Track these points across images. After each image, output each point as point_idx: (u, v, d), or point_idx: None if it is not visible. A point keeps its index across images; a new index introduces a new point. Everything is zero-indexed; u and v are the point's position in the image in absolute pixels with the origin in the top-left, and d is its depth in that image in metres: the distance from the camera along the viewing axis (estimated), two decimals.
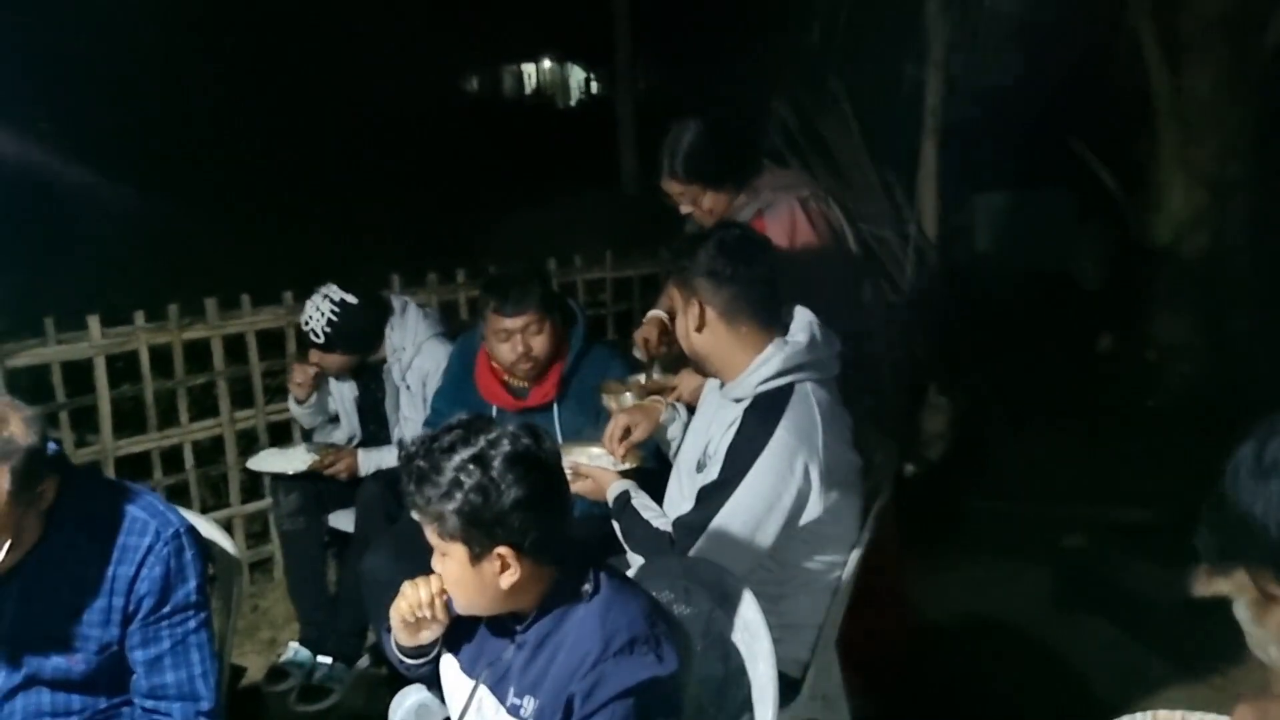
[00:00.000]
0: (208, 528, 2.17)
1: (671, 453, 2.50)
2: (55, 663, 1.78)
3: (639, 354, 2.90)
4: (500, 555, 1.56)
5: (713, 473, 2.12)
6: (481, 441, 1.55)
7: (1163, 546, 2.41)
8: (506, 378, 2.96)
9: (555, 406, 2.94)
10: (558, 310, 2.94)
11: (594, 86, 27.27)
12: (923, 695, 2.98)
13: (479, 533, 1.55)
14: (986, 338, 4.85)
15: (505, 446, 1.55)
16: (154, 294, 3.78)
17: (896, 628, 2.98)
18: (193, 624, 1.84)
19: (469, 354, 3.07)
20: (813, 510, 2.10)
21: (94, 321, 3.51)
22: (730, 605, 1.86)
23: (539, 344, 2.85)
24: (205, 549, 1.93)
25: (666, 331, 3.00)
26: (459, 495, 1.53)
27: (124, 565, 1.76)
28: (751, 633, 1.82)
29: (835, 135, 5.20)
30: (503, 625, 1.68)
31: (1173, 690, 2.92)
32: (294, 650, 3.34)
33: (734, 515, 2.06)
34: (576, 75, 30.22)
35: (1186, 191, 5.23)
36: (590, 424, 2.88)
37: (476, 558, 1.56)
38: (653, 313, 2.93)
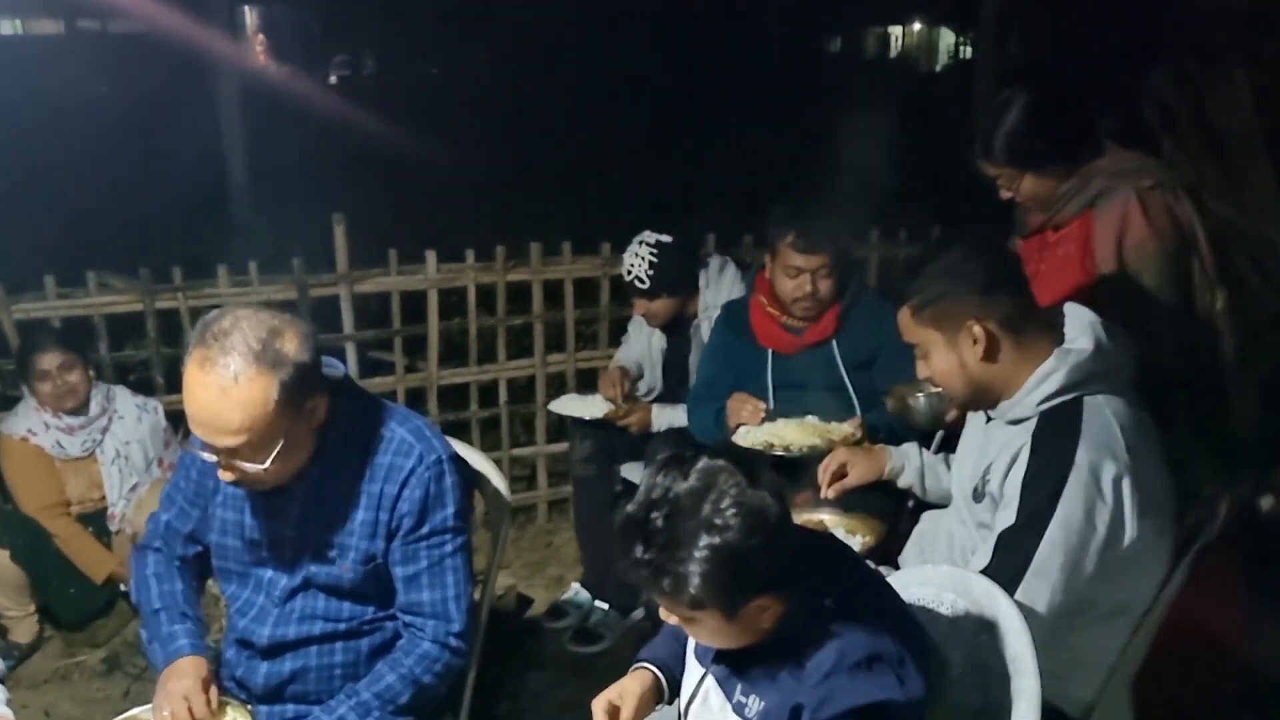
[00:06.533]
0: (481, 463, 2.25)
1: (919, 491, 2.39)
2: (328, 570, 1.89)
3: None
4: (759, 605, 1.43)
5: (1007, 515, 1.86)
6: (703, 505, 1.37)
7: None
8: (783, 319, 2.96)
9: (834, 341, 2.92)
10: (849, 259, 2.95)
11: (964, 51, 25.97)
12: None
13: (733, 596, 1.41)
14: None
15: (730, 501, 1.36)
16: (487, 236, 4.00)
17: (1212, 685, 2.57)
18: (449, 548, 1.89)
19: (736, 315, 3.09)
20: (1129, 531, 1.83)
21: (431, 256, 3.80)
22: (999, 632, 1.66)
23: (826, 287, 2.85)
24: (469, 479, 1.98)
25: None
26: (701, 571, 1.36)
27: (389, 484, 1.84)
28: (1018, 668, 1.61)
29: (1224, 114, 4.53)
30: None
31: None
32: (575, 590, 3.46)
33: (1050, 560, 1.79)
34: (946, 39, 29.00)
35: None
36: (868, 358, 2.89)
37: (733, 614, 1.43)
38: None
